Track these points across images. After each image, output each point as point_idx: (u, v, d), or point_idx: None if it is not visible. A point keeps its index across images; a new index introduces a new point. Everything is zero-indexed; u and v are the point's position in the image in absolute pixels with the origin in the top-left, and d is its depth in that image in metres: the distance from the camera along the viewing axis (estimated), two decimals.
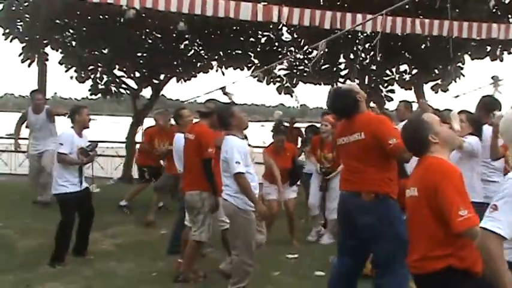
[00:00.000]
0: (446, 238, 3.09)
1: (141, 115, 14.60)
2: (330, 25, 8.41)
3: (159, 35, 13.85)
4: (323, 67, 14.15)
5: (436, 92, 13.91)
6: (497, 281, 2.55)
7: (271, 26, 13.43)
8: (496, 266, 2.55)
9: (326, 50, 11.81)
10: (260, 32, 14.01)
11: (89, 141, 7.20)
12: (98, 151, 7.81)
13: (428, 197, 3.18)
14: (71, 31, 13.56)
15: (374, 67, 13.99)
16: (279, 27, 13.66)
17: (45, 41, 13.33)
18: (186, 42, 14.03)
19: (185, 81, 14.76)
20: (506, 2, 12.39)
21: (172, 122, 8.57)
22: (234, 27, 13.28)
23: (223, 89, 8.66)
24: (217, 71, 14.58)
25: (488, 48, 13.07)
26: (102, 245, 7.84)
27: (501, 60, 13.19)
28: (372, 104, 13.36)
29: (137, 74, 14.40)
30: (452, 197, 3.05)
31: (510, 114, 3.14)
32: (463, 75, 13.67)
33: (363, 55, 14.08)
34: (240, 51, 13.98)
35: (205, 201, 6.07)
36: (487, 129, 5.41)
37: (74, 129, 7.06)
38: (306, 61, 14.39)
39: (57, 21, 13.06)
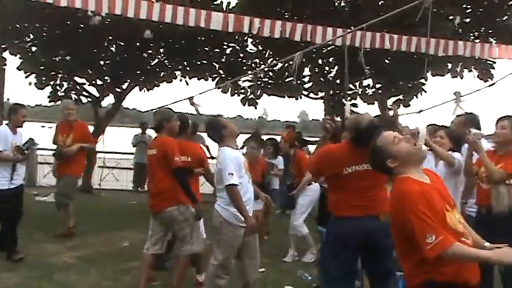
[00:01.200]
0: (421, 258, 3.01)
1: (103, 123, 14.29)
2: (300, 37, 8.40)
3: (122, 43, 13.65)
4: (287, 80, 14.21)
5: (398, 107, 14.10)
6: None
7: (236, 37, 13.42)
8: None
9: (291, 62, 11.95)
10: (225, 43, 13.94)
11: (28, 139, 7.36)
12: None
13: (397, 224, 3.12)
14: (31, 36, 13.22)
15: (338, 81, 14.09)
16: (245, 38, 13.65)
17: (3, 46, 12.96)
18: (150, 51, 13.85)
19: (148, 90, 14.57)
20: (467, 21, 12.70)
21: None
22: (199, 37, 13.18)
23: (190, 99, 8.54)
24: (181, 80, 14.46)
25: (449, 65, 13.40)
26: (62, 257, 7.56)
27: (461, 78, 13.53)
28: (337, 118, 13.51)
29: (99, 82, 14.12)
30: (416, 226, 2.94)
31: None
32: (425, 91, 13.91)
33: (326, 68, 14.23)
34: (205, 62, 13.89)
35: (186, 213, 5.91)
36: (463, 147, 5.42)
37: (9, 126, 7.22)
38: (271, 73, 14.46)
39: (17, 25, 12.71)
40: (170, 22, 7.78)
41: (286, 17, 12.10)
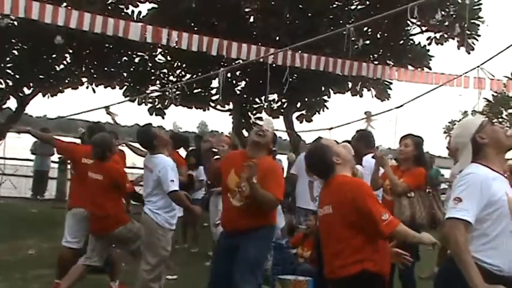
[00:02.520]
0: (360, 245, 3.48)
1: (3, 128, 13.70)
2: (216, 52, 8.63)
3: (25, 46, 13.22)
4: (195, 91, 14.36)
5: (301, 122, 14.72)
6: (462, 269, 2.88)
7: (146, 47, 13.41)
8: (462, 251, 2.89)
9: (199, 74, 12.12)
10: (135, 52, 13.89)
11: None
12: None
13: (343, 212, 3.54)
14: None
15: (245, 95, 14.48)
16: (154, 48, 13.66)
17: None
18: (56, 56, 13.49)
19: (52, 96, 14.18)
20: (367, 43, 13.48)
21: None
22: (107, 45, 13.05)
23: (107, 108, 8.47)
24: (87, 87, 14.21)
25: (350, 84, 14.13)
26: None
27: (361, 96, 14.31)
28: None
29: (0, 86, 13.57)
30: (373, 207, 3.47)
31: (467, 120, 3.56)
32: (327, 108, 14.58)
33: (234, 81, 14.54)
34: (113, 70, 13.76)
35: (133, 228, 6.04)
36: (370, 162, 5.85)
37: None
38: (179, 84, 14.54)
39: None
40: (88, 30, 7.77)
41: (196, 29, 12.28)
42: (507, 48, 7.52)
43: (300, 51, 8.95)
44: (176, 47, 8.52)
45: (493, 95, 15.54)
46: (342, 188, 3.60)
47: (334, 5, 12.71)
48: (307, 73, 11.71)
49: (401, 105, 8.76)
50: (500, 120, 16.50)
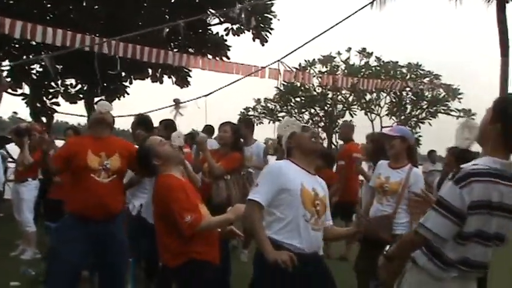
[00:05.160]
0: (180, 239, 3.69)
1: None
2: (20, 35, 8.23)
3: None
4: None
5: None
6: (257, 241, 3.53)
7: None
8: (256, 227, 3.51)
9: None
10: None
11: None
12: None
13: (160, 211, 3.80)
14: None
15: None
16: None
17: None
18: None
19: None
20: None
21: None
22: None
23: None
24: None
25: (150, 70, 14.28)
26: None
27: (161, 83, 14.54)
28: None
29: None
30: (176, 210, 3.64)
31: (290, 123, 3.94)
32: (128, 94, 14.56)
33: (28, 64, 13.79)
34: None
35: None
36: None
37: None
38: None
39: None
40: None
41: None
42: (303, 45, 8.33)
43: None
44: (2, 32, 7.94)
45: (283, 85, 16.91)
46: (158, 187, 3.85)
47: None
48: (108, 58, 11.65)
49: (210, 93, 9.25)
50: (289, 107, 17.97)
